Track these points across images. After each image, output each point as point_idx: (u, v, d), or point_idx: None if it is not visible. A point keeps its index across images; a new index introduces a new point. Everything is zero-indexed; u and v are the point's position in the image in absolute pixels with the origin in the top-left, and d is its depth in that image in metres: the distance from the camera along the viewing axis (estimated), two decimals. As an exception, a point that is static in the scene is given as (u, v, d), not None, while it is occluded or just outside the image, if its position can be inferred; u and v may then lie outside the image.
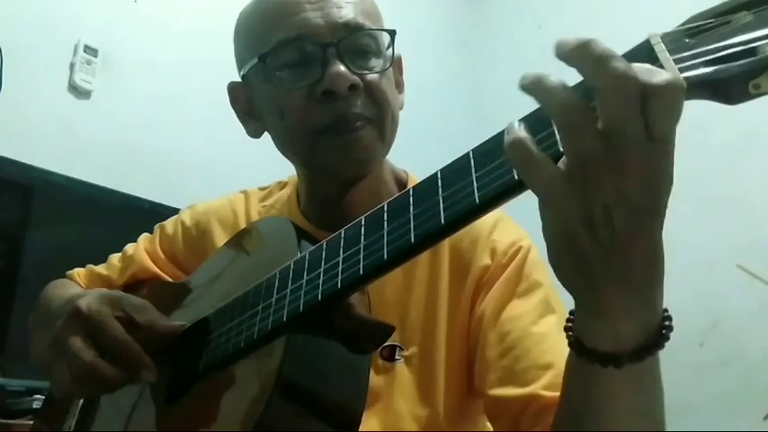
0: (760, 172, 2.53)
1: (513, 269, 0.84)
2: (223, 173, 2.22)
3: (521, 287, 0.83)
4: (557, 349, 0.76)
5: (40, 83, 2.09)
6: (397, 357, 0.84)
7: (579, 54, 0.44)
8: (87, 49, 2.17)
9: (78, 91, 2.17)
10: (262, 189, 1.05)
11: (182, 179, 2.26)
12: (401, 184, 0.95)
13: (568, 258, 0.49)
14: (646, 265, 0.48)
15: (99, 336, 0.76)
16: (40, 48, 2.10)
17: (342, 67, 0.80)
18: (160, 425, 0.79)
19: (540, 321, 0.80)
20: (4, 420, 1.55)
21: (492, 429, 0.86)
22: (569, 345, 0.55)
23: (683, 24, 0.48)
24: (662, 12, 2.63)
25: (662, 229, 0.48)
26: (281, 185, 1.03)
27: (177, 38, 2.37)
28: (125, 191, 2.06)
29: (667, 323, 0.52)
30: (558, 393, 0.69)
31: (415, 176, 0.96)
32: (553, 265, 0.51)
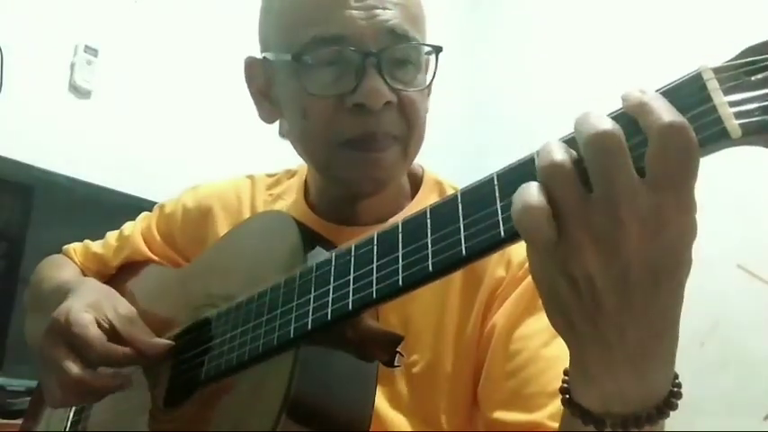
0: (760, 172, 2.52)
1: (528, 284, 0.80)
2: (223, 172, 2.22)
3: (534, 303, 0.78)
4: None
5: (40, 83, 2.09)
6: (396, 364, 0.82)
7: (575, 125, 0.43)
8: (87, 49, 2.17)
9: (78, 91, 2.17)
10: (269, 176, 1.02)
11: (181, 179, 2.26)
12: (416, 179, 0.91)
13: (552, 307, 0.46)
14: (641, 340, 0.44)
15: (79, 348, 0.75)
16: (40, 48, 2.10)
17: (379, 81, 0.75)
18: (158, 428, 0.78)
19: (552, 343, 0.76)
20: (4, 420, 1.55)
21: None
22: (560, 390, 0.51)
23: (737, 58, 0.43)
24: (661, 13, 2.64)
25: (675, 312, 0.44)
26: (290, 174, 1.00)
27: (177, 38, 2.37)
28: (125, 191, 2.06)
29: (673, 399, 0.48)
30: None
31: (432, 173, 0.92)
32: (544, 306, 0.48)
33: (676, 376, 0.49)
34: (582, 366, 0.48)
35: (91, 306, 0.79)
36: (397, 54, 0.78)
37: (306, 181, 0.94)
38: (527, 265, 0.79)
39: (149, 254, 1.02)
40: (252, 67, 0.89)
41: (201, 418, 0.72)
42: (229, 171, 2.29)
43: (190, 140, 2.34)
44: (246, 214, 0.95)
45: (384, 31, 0.77)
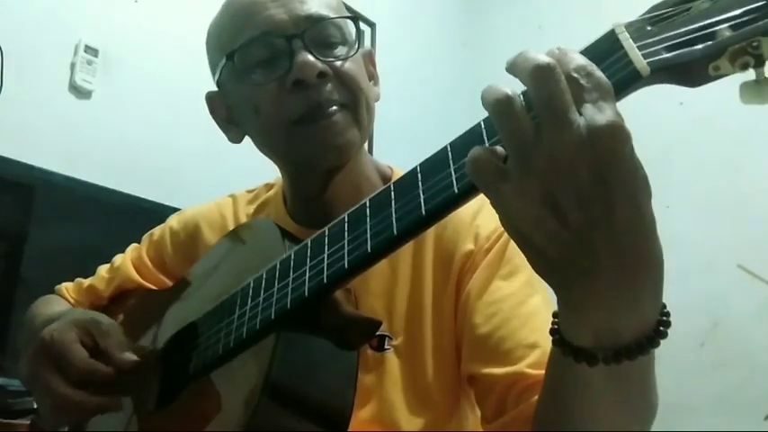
0: (760, 172, 2.53)
1: (495, 252, 0.85)
2: (223, 172, 2.22)
3: (504, 270, 0.84)
4: (542, 328, 0.76)
5: (40, 83, 2.09)
6: (386, 347, 0.85)
7: (512, 64, 0.48)
8: (88, 49, 2.17)
9: (79, 91, 2.17)
10: (249, 191, 1.06)
11: (182, 179, 2.27)
12: (385, 179, 0.95)
13: (529, 251, 0.49)
14: (618, 260, 0.46)
15: (63, 365, 0.77)
16: (40, 48, 2.10)
17: (309, 56, 0.81)
18: (150, 429, 0.79)
19: (526, 302, 0.81)
20: (4, 420, 1.55)
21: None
22: (550, 332, 0.54)
23: (645, 13, 0.50)
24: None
25: (641, 224, 0.46)
26: (268, 187, 1.04)
27: (178, 38, 2.37)
28: (125, 191, 2.06)
29: (662, 328, 0.50)
30: (543, 371, 0.70)
31: (400, 171, 0.95)
32: (525, 255, 0.51)
33: (664, 306, 0.51)
34: (569, 303, 0.50)
35: (75, 325, 0.81)
36: (321, 34, 0.85)
37: (283, 192, 0.98)
38: (495, 235, 0.86)
39: (140, 280, 1.04)
40: (212, 100, 0.96)
41: (190, 411, 0.74)
42: (228, 170, 2.29)
43: (190, 141, 2.34)
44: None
45: (302, 18, 0.84)
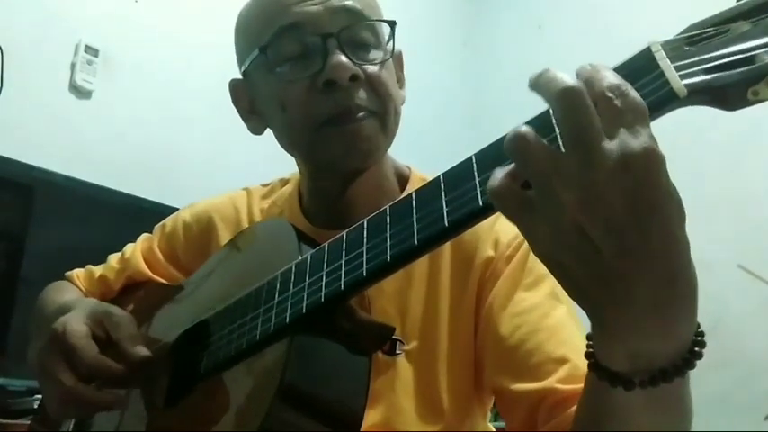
0: (760, 172, 2.53)
1: (517, 261, 0.83)
2: (223, 172, 2.22)
3: (527, 279, 0.82)
4: (570, 341, 0.76)
5: (40, 83, 2.09)
6: (398, 352, 0.83)
7: (536, 83, 0.46)
8: (88, 48, 2.18)
9: (79, 91, 2.17)
10: (264, 186, 1.04)
11: (182, 179, 2.27)
12: (403, 179, 0.94)
13: (562, 278, 0.48)
14: (652, 289, 0.44)
15: (73, 360, 0.76)
16: (40, 48, 2.10)
17: (343, 58, 0.80)
18: (158, 426, 0.79)
19: (551, 313, 0.79)
20: (4, 420, 1.56)
21: (505, 422, 0.84)
22: (585, 355, 0.52)
23: (682, 33, 0.49)
24: (661, 12, 2.65)
25: (675, 251, 0.44)
26: (283, 182, 1.02)
27: (178, 38, 2.37)
28: (125, 191, 2.06)
29: (697, 348, 0.49)
30: (573, 386, 0.70)
31: (419, 172, 0.95)
32: (558, 281, 0.49)
33: (699, 326, 0.50)
34: (602, 329, 0.48)
35: (88, 317, 0.80)
36: (356, 36, 0.83)
37: (299, 189, 0.96)
38: (516, 242, 0.84)
39: (150, 274, 1.03)
40: (236, 88, 0.94)
41: (200, 411, 0.73)
42: (228, 170, 2.29)
43: (190, 140, 2.34)
44: (245, 224, 0.97)
45: (338, 11, 0.82)
